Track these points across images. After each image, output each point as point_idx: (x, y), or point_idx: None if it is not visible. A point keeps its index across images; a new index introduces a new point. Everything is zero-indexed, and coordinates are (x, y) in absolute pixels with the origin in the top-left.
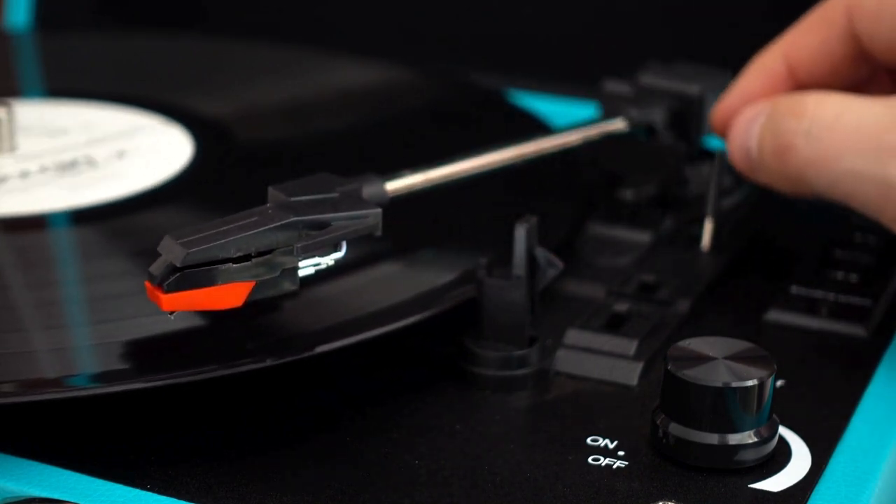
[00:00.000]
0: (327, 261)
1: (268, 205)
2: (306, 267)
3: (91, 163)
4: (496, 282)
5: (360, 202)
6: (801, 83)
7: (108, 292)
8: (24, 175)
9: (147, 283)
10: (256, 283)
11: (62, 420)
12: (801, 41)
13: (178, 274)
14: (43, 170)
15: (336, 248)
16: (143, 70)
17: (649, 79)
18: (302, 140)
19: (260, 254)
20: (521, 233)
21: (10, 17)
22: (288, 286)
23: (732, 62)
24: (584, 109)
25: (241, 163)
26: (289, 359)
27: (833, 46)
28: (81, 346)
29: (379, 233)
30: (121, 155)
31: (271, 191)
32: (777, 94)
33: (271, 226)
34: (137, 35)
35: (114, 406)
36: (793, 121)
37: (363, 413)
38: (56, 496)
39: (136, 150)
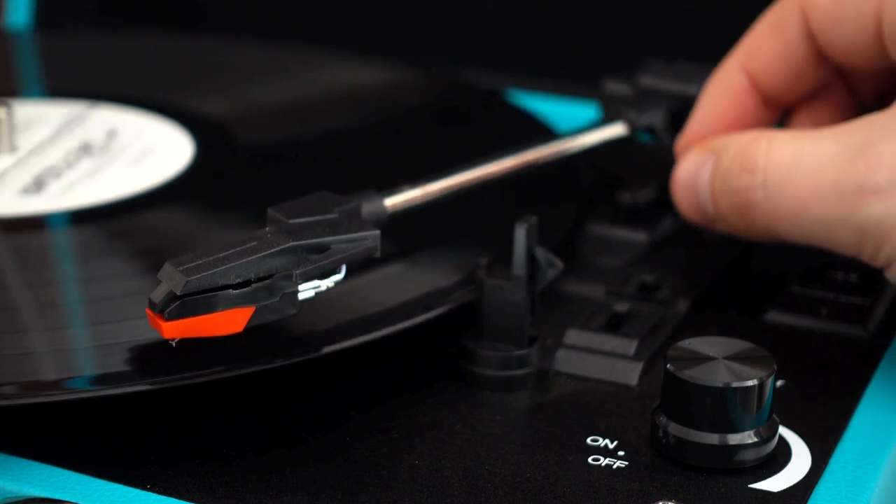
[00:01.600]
0: (327, 283)
1: (266, 228)
2: (306, 290)
3: (91, 163)
4: (496, 282)
5: (359, 223)
6: (765, 92)
7: (109, 293)
8: (23, 175)
9: (148, 311)
10: (257, 309)
11: (62, 420)
12: (759, 49)
13: (178, 302)
14: (42, 170)
15: (336, 271)
16: (143, 70)
17: (649, 80)
18: (302, 140)
19: (260, 279)
20: (521, 233)
21: (10, 17)
22: (289, 310)
23: None
24: (583, 109)
25: (241, 163)
26: (287, 362)
27: (793, 50)
28: (81, 347)
29: (377, 254)
30: (120, 155)
31: (270, 212)
32: (742, 111)
33: (270, 251)
34: (137, 35)
35: (114, 406)
36: (745, 177)
37: (363, 413)
38: (56, 496)
39: (137, 150)
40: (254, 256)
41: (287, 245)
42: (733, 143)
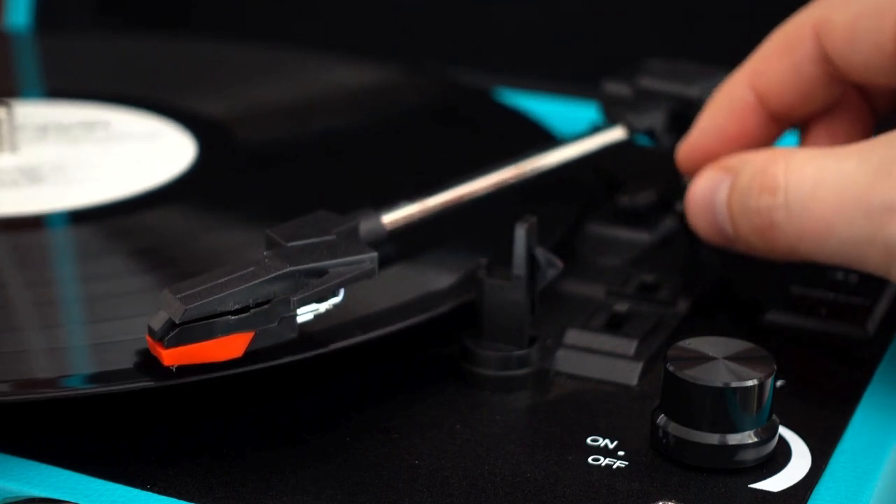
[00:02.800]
0: (326, 306)
1: (264, 253)
2: (305, 313)
3: (91, 163)
4: (496, 282)
5: (356, 244)
6: (772, 110)
7: (108, 292)
8: (24, 175)
9: (148, 338)
10: (256, 334)
11: (62, 420)
12: (769, 67)
13: (177, 329)
14: (43, 170)
15: (334, 294)
16: (142, 70)
17: (648, 81)
18: (302, 140)
19: (258, 304)
20: (520, 233)
21: (10, 17)
22: (288, 334)
23: (733, 62)
24: (583, 109)
25: (242, 163)
26: (288, 359)
27: (805, 70)
28: (79, 345)
29: (375, 276)
30: (121, 155)
31: (268, 234)
32: (746, 126)
33: (268, 277)
34: (137, 35)
35: (113, 405)
36: (766, 197)
37: (363, 413)
38: (56, 496)
39: (137, 150)
40: (252, 282)
41: (285, 271)
42: (751, 162)
